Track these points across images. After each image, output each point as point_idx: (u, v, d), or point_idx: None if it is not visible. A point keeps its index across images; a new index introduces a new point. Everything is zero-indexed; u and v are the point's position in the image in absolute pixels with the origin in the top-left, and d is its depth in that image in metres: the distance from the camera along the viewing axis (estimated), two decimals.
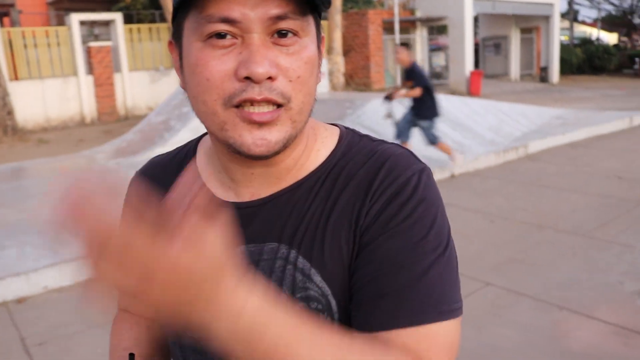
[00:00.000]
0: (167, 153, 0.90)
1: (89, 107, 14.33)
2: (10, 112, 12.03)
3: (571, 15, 30.60)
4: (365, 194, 0.70)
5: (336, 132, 0.79)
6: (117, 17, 15.12)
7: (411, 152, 0.75)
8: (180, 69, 0.71)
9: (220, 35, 0.63)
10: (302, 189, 0.74)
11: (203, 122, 0.69)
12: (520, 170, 7.31)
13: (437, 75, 19.83)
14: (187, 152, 0.85)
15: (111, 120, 14.51)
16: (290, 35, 0.64)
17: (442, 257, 0.67)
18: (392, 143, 0.77)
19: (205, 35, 0.64)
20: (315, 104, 0.72)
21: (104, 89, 14.64)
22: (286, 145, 0.68)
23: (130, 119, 14.39)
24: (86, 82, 14.43)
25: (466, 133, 8.73)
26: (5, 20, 16.94)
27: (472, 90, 16.90)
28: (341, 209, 0.71)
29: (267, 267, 0.72)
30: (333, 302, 0.70)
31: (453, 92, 15.60)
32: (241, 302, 0.53)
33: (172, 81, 15.42)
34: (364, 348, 0.61)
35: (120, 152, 8.90)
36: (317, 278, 0.70)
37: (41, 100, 13.85)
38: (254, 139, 0.65)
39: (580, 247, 4.42)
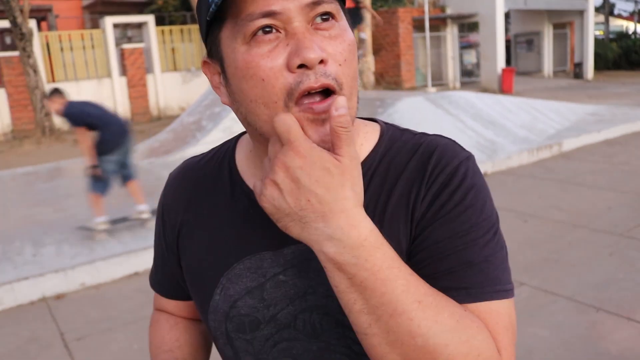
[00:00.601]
0: (200, 155, 0.90)
1: (122, 107, 14.60)
2: (48, 114, 12.34)
3: (606, 9, 29.89)
4: (420, 183, 0.72)
5: (377, 127, 0.80)
6: (149, 19, 15.38)
7: (455, 142, 0.76)
8: (224, 82, 0.71)
9: (265, 31, 0.64)
10: None
11: (261, 127, 0.68)
12: (554, 168, 7.19)
13: (468, 73, 19.63)
14: (227, 150, 0.86)
15: (144, 120, 14.76)
16: (330, 18, 0.66)
17: (492, 241, 0.70)
18: (434, 134, 0.78)
19: (250, 35, 0.64)
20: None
21: (137, 90, 14.92)
22: None
23: (162, 119, 14.62)
24: (120, 83, 14.72)
25: (499, 131, 8.61)
26: (43, 24, 17.35)
27: (504, 88, 16.66)
28: (396, 201, 0.72)
29: (319, 266, 0.68)
30: None
31: (485, 90, 15.42)
32: (356, 221, 0.60)
33: (203, 82, 15.59)
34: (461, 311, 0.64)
35: (154, 152, 9.04)
36: None
37: None
38: (320, 136, 0.64)
39: (616, 247, 4.33)
